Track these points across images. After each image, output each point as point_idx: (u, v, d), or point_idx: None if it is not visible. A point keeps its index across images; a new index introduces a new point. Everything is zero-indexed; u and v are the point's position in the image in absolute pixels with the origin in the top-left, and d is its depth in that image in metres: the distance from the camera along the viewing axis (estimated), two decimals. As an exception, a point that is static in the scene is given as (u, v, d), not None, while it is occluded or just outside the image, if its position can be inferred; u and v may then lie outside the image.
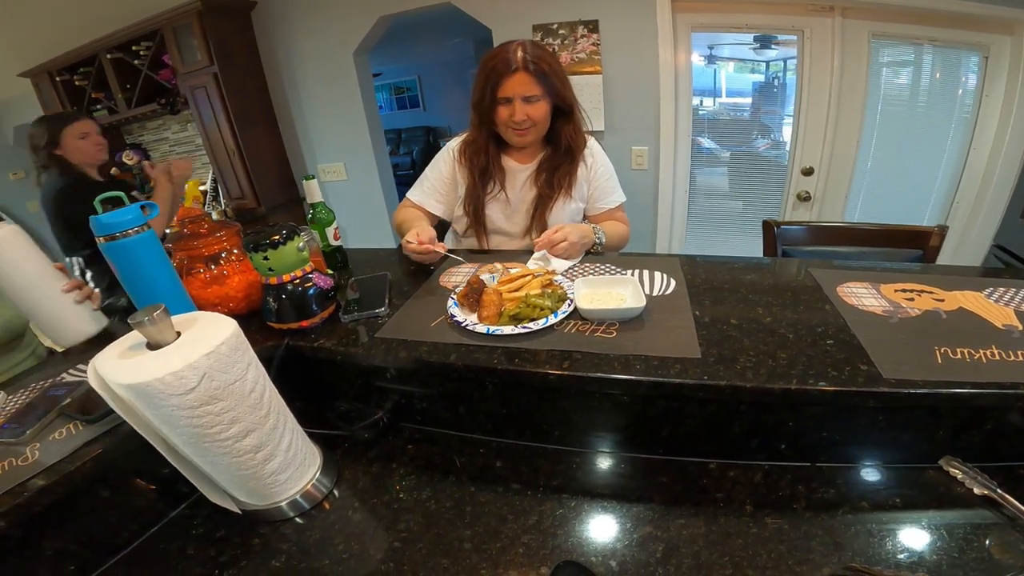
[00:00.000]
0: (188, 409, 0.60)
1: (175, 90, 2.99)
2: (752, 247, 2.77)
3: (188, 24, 2.68)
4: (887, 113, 2.46)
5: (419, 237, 1.14)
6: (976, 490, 0.68)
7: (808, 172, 2.56)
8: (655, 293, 0.97)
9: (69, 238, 1.95)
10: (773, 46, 2.51)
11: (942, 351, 0.74)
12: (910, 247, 1.36)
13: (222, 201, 3.18)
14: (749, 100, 2.67)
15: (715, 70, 2.61)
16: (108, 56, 3.04)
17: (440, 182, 1.38)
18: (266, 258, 0.83)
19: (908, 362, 0.72)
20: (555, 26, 2.38)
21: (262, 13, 2.88)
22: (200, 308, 0.97)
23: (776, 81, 2.61)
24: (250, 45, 2.94)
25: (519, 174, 1.35)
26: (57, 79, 3.29)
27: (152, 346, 0.62)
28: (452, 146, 1.39)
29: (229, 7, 2.77)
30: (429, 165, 1.41)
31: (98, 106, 3.34)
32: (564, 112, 1.28)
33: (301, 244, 0.86)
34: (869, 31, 2.28)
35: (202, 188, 3.25)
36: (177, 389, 0.58)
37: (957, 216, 2.60)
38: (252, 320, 0.99)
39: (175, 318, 0.66)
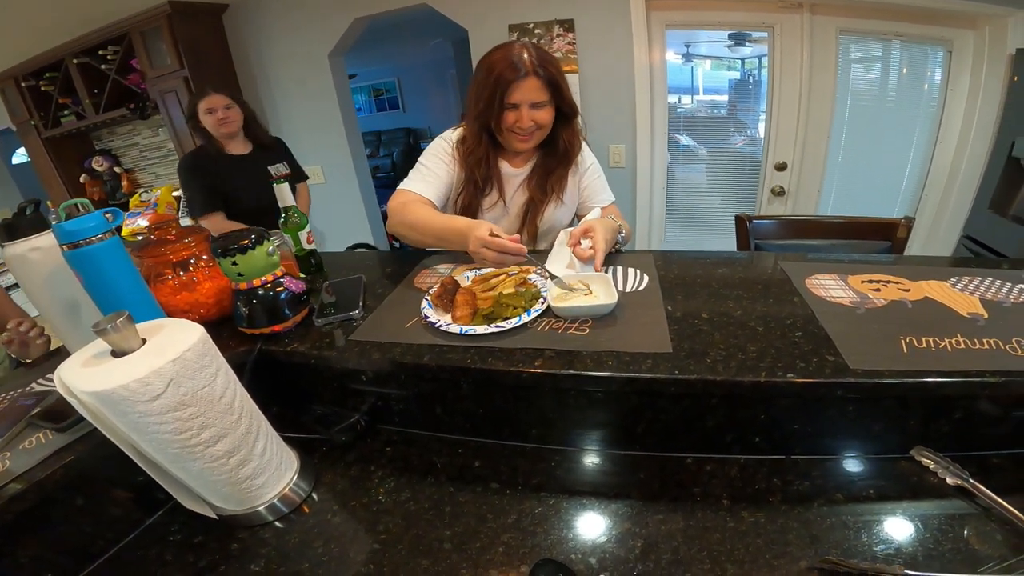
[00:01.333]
0: (156, 415, 0.59)
1: (144, 94, 2.93)
2: (730, 241, 2.81)
3: (157, 27, 2.64)
4: (856, 108, 2.51)
5: (506, 236, 1.01)
6: (949, 480, 0.69)
7: (781, 167, 2.60)
8: (628, 289, 0.98)
9: (187, 200, 2.11)
10: (747, 44, 2.55)
11: (907, 340, 0.76)
12: (878, 239, 1.39)
13: (195, 208, 3.12)
14: (726, 97, 2.71)
15: (692, 68, 2.64)
16: (75, 61, 2.98)
17: (441, 173, 1.28)
18: (235, 263, 0.82)
19: (874, 352, 0.73)
20: (531, 25, 2.38)
21: (234, 15, 2.84)
22: (170, 315, 0.94)
23: (751, 78, 2.65)
24: (222, 48, 2.89)
25: (513, 179, 1.33)
26: (23, 84, 3.22)
27: (117, 353, 0.61)
28: (448, 138, 1.32)
29: (199, 9, 2.73)
30: (425, 156, 1.31)
31: (66, 111, 3.27)
32: (566, 117, 1.26)
33: (271, 248, 0.85)
34: (837, 27, 2.33)
35: (175, 194, 3.19)
36: (143, 396, 0.58)
37: (926, 208, 2.67)
38: (224, 326, 0.98)
39: (141, 325, 0.65)
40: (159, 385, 0.58)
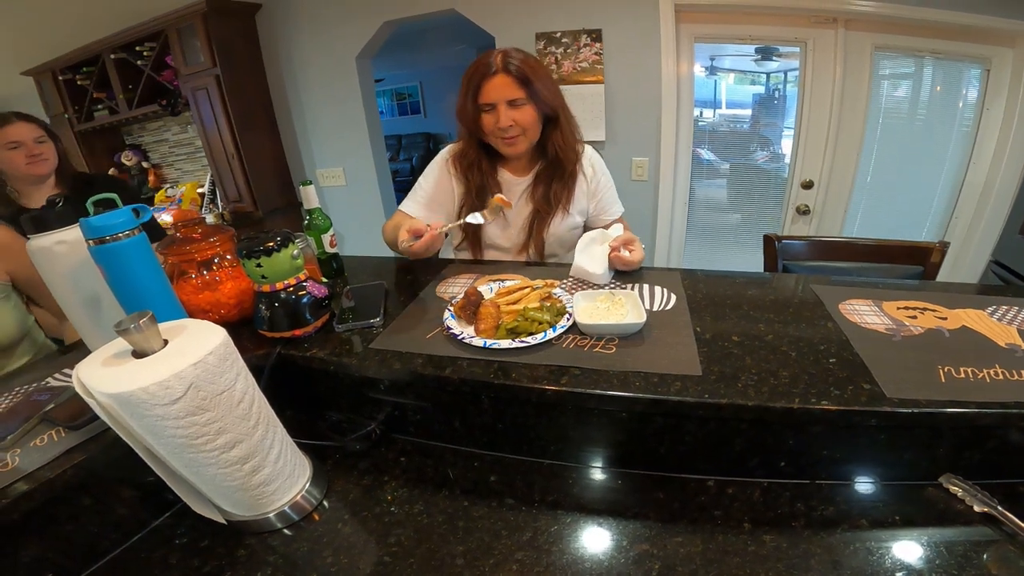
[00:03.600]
0: (173, 419, 0.59)
1: (176, 91, 2.98)
2: (751, 260, 2.77)
3: (192, 25, 2.67)
4: (888, 126, 2.46)
5: (413, 229, 1.05)
6: (976, 507, 0.67)
7: (808, 185, 2.55)
8: (655, 308, 0.96)
9: None
10: (775, 58, 2.51)
11: (945, 370, 0.74)
12: (911, 263, 1.35)
13: (219, 204, 3.16)
14: (749, 112, 2.66)
15: (715, 81, 2.61)
16: (112, 56, 3.03)
17: (436, 192, 1.32)
18: (259, 265, 0.82)
19: (911, 381, 0.71)
20: (558, 34, 2.38)
21: (266, 15, 2.88)
22: (191, 314, 0.95)
23: (776, 93, 2.61)
24: (253, 47, 2.93)
25: (515, 188, 1.30)
26: (60, 78, 3.28)
27: (138, 354, 0.60)
28: (444, 155, 1.34)
29: (233, 9, 2.77)
30: (422, 175, 1.35)
31: (99, 106, 3.33)
32: (550, 119, 1.23)
33: (295, 251, 0.84)
34: (872, 43, 2.29)
35: (200, 191, 3.24)
36: (162, 399, 0.57)
37: (956, 231, 2.60)
38: (243, 328, 0.97)
39: (162, 325, 0.64)
40: (179, 389, 0.57)
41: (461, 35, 4.23)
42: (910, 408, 0.67)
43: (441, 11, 2.55)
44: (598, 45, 2.35)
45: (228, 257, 0.97)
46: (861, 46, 2.29)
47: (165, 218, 2.98)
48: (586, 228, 1.37)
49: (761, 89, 2.63)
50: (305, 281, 0.89)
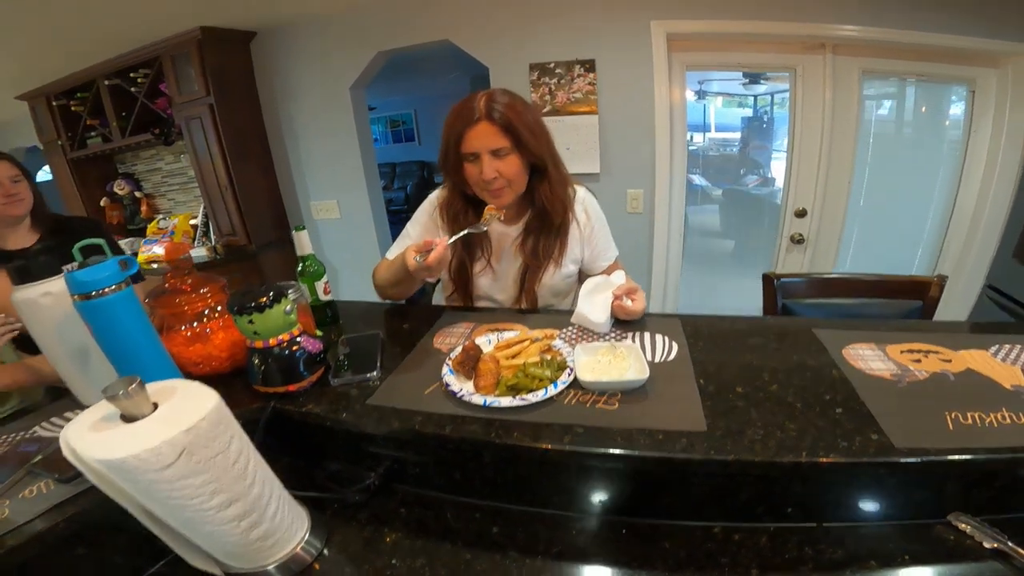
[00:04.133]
0: (167, 483, 0.57)
1: (170, 120, 2.97)
2: (747, 288, 2.74)
3: (187, 53, 2.68)
4: (878, 152, 2.48)
5: (419, 246, 1.00)
6: (986, 543, 0.66)
7: (801, 214, 2.56)
8: (657, 359, 0.94)
9: None
10: (762, 81, 2.54)
11: (953, 416, 0.73)
12: (910, 297, 1.34)
13: (212, 237, 3.12)
14: (738, 135, 2.68)
15: (704, 105, 2.63)
16: (106, 82, 3.02)
17: (424, 239, 1.22)
18: (251, 321, 0.79)
19: (919, 429, 0.71)
20: (552, 65, 2.40)
21: (261, 44, 2.89)
22: (182, 367, 0.93)
23: (765, 115, 2.63)
24: (247, 76, 2.93)
25: (504, 239, 1.24)
26: (54, 103, 3.27)
27: (127, 418, 0.58)
28: (433, 201, 1.29)
29: (229, 36, 2.77)
30: (410, 221, 1.30)
31: (92, 133, 3.32)
32: (537, 169, 1.15)
33: (288, 307, 0.82)
34: (860, 68, 2.32)
35: (192, 222, 3.21)
36: (154, 465, 0.55)
37: (948, 256, 2.61)
38: (236, 380, 0.95)
39: (152, 387, 0.62)
40: (171, 455, 0.56)
41: (456, 63, 4.26)
42: (919, 457, 0.66)
43: (435, 41, 2.57)
44: (591, 75, 2.37)
45: (219, 308, 0.95)
46: (849, 71, 2.32)
47: (157, 250, 2.95)
48: (581, 274, 1.33)
49: (749, 112, 2.65)
50: (299, 336, 0.86)
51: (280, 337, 0.84)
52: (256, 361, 0.86)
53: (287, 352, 0.85)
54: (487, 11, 2.43)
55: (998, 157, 2.30)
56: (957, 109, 2.41)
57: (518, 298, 1.27)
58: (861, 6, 2.11)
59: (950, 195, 2.53)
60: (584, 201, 1.27)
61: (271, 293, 0.80)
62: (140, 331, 0.85)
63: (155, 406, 0.60)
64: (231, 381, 0.96)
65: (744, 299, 2.79)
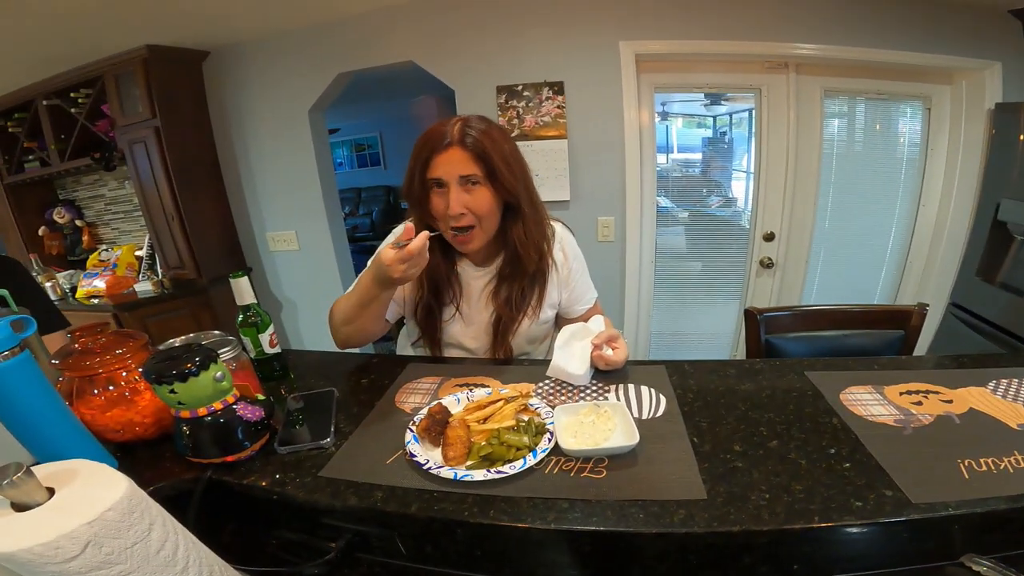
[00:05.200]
0: (75, 574, 0.47)
1: (112, 143, 2.78)
2: (720, 311, 2.74)
3: (132, 72, 2.51)
4: (841, 173, 2.51)
5: (397, 238, 0.90)
6: None
7: (769, 237, 2.56)
8: (644, 415, 0.85)
9: None
10: (723, 101, 2.56)
11: (966, 464, 0.71)
12: (892, 327, 1.32)
13: (159, 270, 2.91)
14: (699, 156, 2.69)
15: (667, 126, 2.63)
16: (44, 102, 2.83)
17: None
18: (173, 391, 0.67)
19: (933, 481, 0.68)
20: (519, 87, 2.34)
21: (214, 64, 2.75)
22: (99, 434, 0.80)
23: (725, 135, 2.64)
24: (198, 98, 2.78)
25: (474, 283, 1.14)
26: (-10, 124, 3.04)
27: (18, 507, 0.48)
28: (397, 235, 1.14)
29: (179, 56, 2.62)
30: (374, 255, 1.11)
31: (30, 156, 3.09)
32: (511, 207, 1.05)
33: (219, 372, 0.70)
34: (822, 87, 2.35)
35: (138, 254, 2.99)
36: (54, 559, 0.46)
37: (911, 276, 2.66)
38: (165, 445, 0.83)
39: (48, 468, 0.53)
40: (72, 548, 0.47)
41: (423, 84, 4.18)
42: (940, 512, 0.63)
43: (398, 63, 2.49)
44: (560, 98, 2.32)
45: (140, 369, 0.81)
46: (812, 90, 2.35)
47: (98, 284, 2.74)
48: (558, 319, 1.24)
49: (709, 132, 2.67)
50: (235, 403, 0.74)
51: (212, 406, 0.71)
52: (184, 430, 0.73)
53: (221, 420, 0.73)
54: (452, 32, 2.36)
55: (956, 174, 2.36)
56: (915, 129, 2.46)
57: (492, 348, 1.16)
58: (822, 25, 2.15)
59: (911, 214, 2.57)
60: (562, 240, 1.17)
61: (197, 359, 0.67)
62: (40, 399, 0.72)
63: (51, 492, 0.50)
64: (159, 447, 0.84)
65: (717, 321, 2.77)
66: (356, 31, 2.47)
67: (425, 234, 0.89)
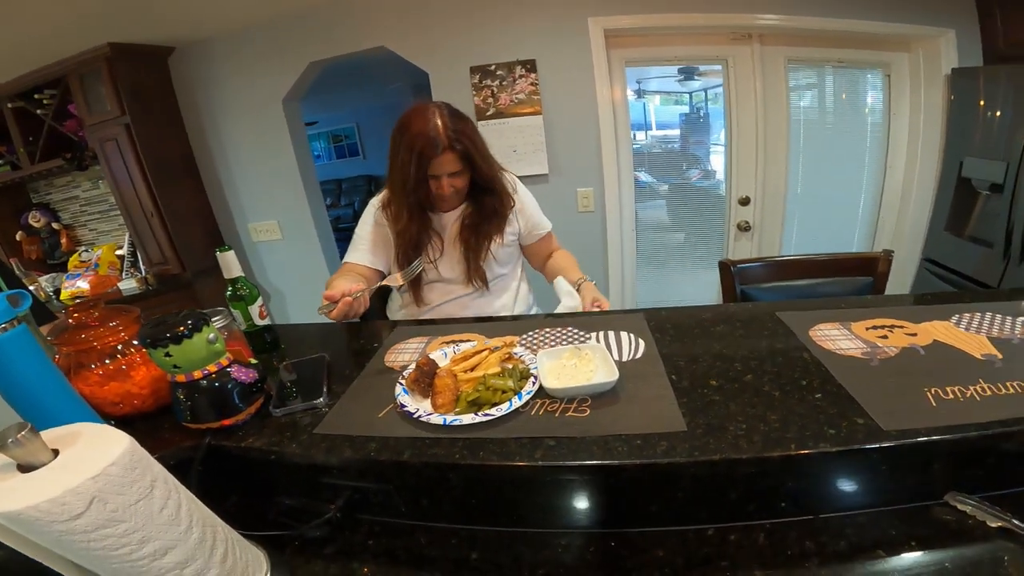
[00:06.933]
0: (81, 533, 0.50)
1: (82, 143, 2.73)
2: (703, 278, 2.80)
3: (97, 70, 2.47)
4: (809, 138, 2.58)
5: (327, 295, 1.03)
6: (990, 522, 0.64)
7: (745, 202, 2.62)
8: (624, 358, 0.89)
9: None
10: (696, 77, 2.60)
11: (933, 392, 0.72)
12: (861, 274, 1.37)
13: (141, 268, 2.87)
14: (678, 132, 2.74)
15: (644, 104, 2.67)
16: (9, 105, 2.76)
17: (376, 236, 1.36)
18: (168, 354, 0.69)
19: (903, 409, 0.69)
20: (493, 67, 2.35)
21: (180, 59, 2.71)
22: (98, 408, 0.83)
23: (700, 111, 2.69)
24: (167, 93, 2.74)
25: (449, 226, 1.36)
26: (-46, 129, 2.95)
27: (23, 468, 0.50)
28: (375, 203, 1.39)
29: (143, 52, 2.58)
30: (358, 226, 1.40)
31: (0, 161, 3.01)
32: (484, 189, 1.31)
33: (212, 335, 0.72)
34: (785, 56, 2.40)
35: (119, 252, 2.95)
36: (60, 516, 0.48)
37: (884, 234, 2.73)
38: (164, 417, 0.85)
39: (51, 433, 0.54)
40: (78, 504, 0.49)
41: (396, 72, 4.15)
42: (911, 439, 0.65)
43: (371, 49, 2.48)
44: (533, 76, 2.34)
45: (136, 342, 0.83)
46: (775, 60, 2.40)
47: (81, 285, 2.70)
48: (523, 250, 1.50)
49: (686, 108, 2.71)
50: (229, 366, 0.76)
51: (206, 369, 0.73)
52: (181, 396, 0.76)
53: (217, 384, 0.75)
54: (422, 15, 2.36)
55: (919, 136, 2.43)
56: (877, 95, 2.53)
57: (467, 275, 1.37)
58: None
59: (879, 176, 2.65)
60: (513, 183, 1.42)
61: (189, 321, 0.69)
62: (39, 372, 0.74)
63: (55, 453, 0.52)
64: (158, 419, 0.86)
65: (701, 288, 2.84)
66: (325, 19, 2.45)
67: (347, 301, 1.02)
